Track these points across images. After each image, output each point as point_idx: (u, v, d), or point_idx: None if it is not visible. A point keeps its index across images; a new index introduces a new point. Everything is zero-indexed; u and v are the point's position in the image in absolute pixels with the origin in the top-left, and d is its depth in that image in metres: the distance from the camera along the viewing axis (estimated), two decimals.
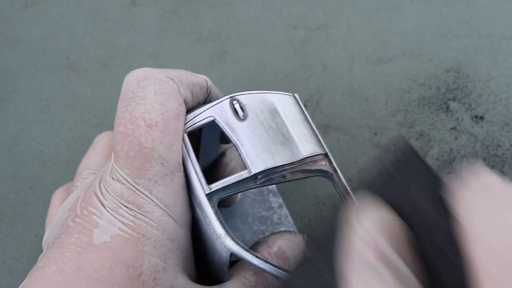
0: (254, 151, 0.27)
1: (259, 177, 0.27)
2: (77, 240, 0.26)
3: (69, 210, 0.29)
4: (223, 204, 0.37)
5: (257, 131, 0.27)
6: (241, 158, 0.27)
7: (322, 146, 0.29)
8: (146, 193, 0.26)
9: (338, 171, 0.29)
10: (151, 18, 0.50)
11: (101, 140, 0.34)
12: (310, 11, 0.50)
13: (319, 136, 0.29)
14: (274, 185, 0.40)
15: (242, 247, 0.26)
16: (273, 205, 0.39)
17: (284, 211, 0.39)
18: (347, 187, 0.29)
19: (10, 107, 0.45)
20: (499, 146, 0.42)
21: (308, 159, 0.28)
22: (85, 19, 0.50)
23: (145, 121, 0.26)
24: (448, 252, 0.16)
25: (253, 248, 0.30)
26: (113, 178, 0.26)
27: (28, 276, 0.26)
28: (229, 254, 0.26)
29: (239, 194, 0.37)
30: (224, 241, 0.26)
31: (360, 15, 0.49)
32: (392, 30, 0.48)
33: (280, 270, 0.25)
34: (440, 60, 0.46)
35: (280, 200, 0.39)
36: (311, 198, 0.40)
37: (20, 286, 0.26)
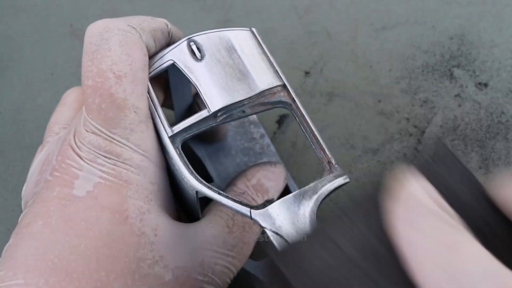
0: (212, 90, 0.28)
1: (219, 114, 0.28)
2: (60, 193, 0.26)
3: (43, 164, 0.29)
4: (214, 139, 0.38)
5: (214, 70, 0.28)
6: (201, 98, 0.28)
7: (280, 78, 0.30)
8: (123, 141, 0.27)
9: (297, 101, 0.29)
10: None
11: (71, 95, 0.34)
12: None
13: (277, 68, 0.30)
14: (255, 116, 0.40)
15: (204, 184, 0.27)
16: (255, 135, 0.39)
17: (266, 140, 0.39)
18: (306, 116, 0.29)
19: (15, 76, 0.46)
20: (503, 113, 0.42)
21: (266, 92, 0.29)
22: None
23: (113, 72, 0.26)
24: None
25: (232, 181, 0.31)
26: (87, 131, 0.27)
27: (14, 235, 0.26)
28: (194, 192, 0.27)
29: (227, 127, 0.38)
30: (188, 180, 0.27)
31: None
32: None
33: (243, 207, 0.26)
34: (444, 27, 0.46)
35: (261, 130, 0.39)
36: (315, 165, 0.40)
37: (6, 245, 0.26)
